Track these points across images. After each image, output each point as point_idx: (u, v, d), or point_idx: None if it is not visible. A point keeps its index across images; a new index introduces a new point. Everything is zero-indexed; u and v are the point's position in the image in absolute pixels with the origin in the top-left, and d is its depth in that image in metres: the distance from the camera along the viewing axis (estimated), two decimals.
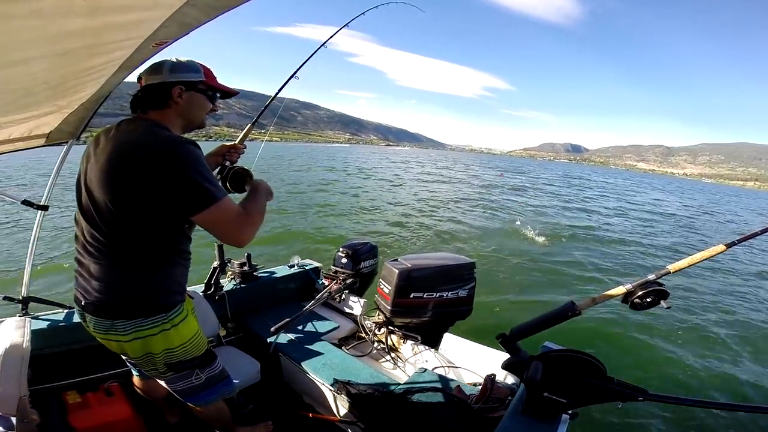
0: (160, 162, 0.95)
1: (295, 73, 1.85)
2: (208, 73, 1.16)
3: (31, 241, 1.77)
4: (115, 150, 1.00)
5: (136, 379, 1.52)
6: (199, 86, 1.13)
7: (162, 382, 1.27)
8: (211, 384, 1.29)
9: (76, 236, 1.11)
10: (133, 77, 1.21)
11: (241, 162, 1.48)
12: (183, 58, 1.14)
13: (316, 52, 1.95)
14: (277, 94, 1.89)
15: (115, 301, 1.06)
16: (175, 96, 1.09)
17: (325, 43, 1.99)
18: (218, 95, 1.21)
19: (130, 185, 0.97)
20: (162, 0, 0.75)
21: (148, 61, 1.09)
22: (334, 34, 2.07)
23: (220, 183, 1.20)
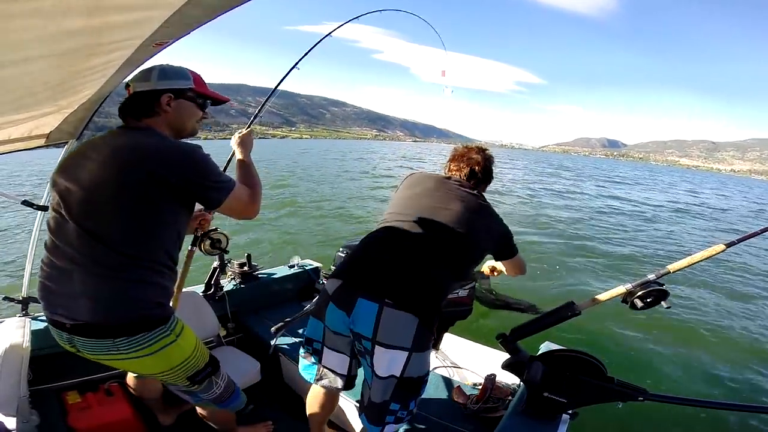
0: (180, 166, 0.99)
1: (296, 64, 2.17)
2: (197, 79, 1.14)
3: (31, 241, 1.77)
4: (123, 155, 0.97)
5: (130, 378, 1.50)
6: (188, 93, 1.12)
7: (187, 397, 1.24)
8: (230, 389, 1.29)
9: (50, 246, 1.00)
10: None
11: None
12: (174, 64, 1.13)
13: (316, 45, 2.22)
14: (278, 84, 2.24)
15: (110, 319, 0.98)
16: (164, 104, 1.08)
17: (325, 37, 2.25)
18: (208, 102, 1.20)
19: (140, 189, 0.95)
20: None
21: (148, 61, 1.09)
22: (335, 29, 2.33)
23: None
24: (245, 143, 1.37)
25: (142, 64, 1.11)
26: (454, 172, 1.43)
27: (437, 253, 1.18)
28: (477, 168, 1.41)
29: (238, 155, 1.34)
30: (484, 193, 1.45)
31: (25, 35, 0.65)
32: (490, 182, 1.49)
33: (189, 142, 1.09)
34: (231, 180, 1.12)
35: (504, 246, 1.40)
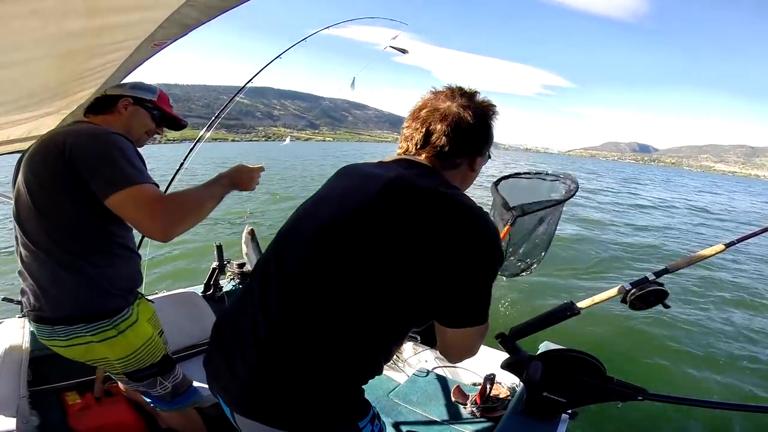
0: (84, 145, 0.93)
1: (248, 81, 2.37)
2: (162, 96, 1.22)
3: None
4: (41, 144, 0.99)
5: (119, 383, 1.50)
6: (146, 104, 1.18)
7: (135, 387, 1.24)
8: (178, 392, 1.26)
9: (16, 237, 1.06)
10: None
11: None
12: (154, 84, 1.21)
13: (262, 69, 2.43)
14: (230, 100, 2.45)
15: (50, 307, 1.02)
16: (120, 107, 1.14)
17: (271, 62, 2.48)
18: (162, 121, 1.25)
19: (48, 171, 0.95)
20: (161, 0, 0.75)
21: (146, 61, 1.10)
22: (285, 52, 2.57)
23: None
24: (235, 177, 1.14)
25: (141, 64, 1.11)
26: (402, 144, 0.80)
27: (303, 310, 0.66)
28: (439, 127, 0.72)
29: (216, 180, 1.11)
30: (463, 180, 0.80)
31: (25, 36, 0.65)
32: (478, 155, 0.78)
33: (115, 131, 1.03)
34: (140, 176, 0.93)
35: (462, 297, 0.68)
